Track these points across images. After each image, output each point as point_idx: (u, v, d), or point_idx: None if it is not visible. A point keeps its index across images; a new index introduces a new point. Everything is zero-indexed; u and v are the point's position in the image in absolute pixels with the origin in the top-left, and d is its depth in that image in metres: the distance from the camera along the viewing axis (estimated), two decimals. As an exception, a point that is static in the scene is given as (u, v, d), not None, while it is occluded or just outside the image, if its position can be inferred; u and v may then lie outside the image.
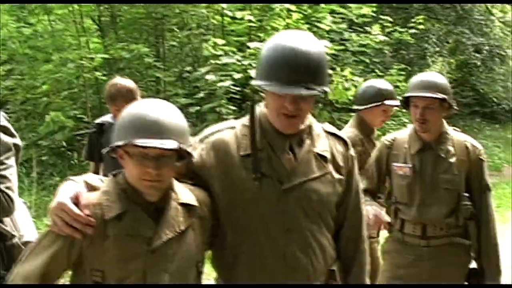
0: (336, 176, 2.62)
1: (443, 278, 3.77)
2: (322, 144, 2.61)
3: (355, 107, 4.80)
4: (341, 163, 2.65)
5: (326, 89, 2.45)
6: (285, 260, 2.50)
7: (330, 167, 2.60)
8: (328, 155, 2.60)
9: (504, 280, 7.07)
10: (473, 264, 3.86)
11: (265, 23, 10.52)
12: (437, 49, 19.70)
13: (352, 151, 2.73)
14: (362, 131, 4.65)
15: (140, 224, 2.26)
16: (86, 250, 2.22)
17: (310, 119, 2.63)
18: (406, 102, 3.82)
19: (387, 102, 4.67)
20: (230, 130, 2.59)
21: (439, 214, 3.72)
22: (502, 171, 15.63)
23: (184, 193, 2.41)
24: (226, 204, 2.50)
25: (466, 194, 3.75)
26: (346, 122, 12.48)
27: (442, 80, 3.78)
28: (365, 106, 4.67)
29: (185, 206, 2.38)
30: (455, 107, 3.84)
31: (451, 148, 3.76)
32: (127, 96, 4.72)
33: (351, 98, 10.78)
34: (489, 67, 21.27)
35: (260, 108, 2.59)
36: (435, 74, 3.90)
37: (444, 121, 3.85)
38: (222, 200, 2.51)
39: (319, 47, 2.47)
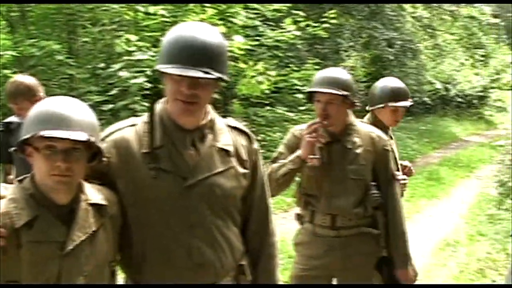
0: (240, 170, 2.62)
1: (354, 268, 3.83)
2: (225, 139, 2.62)
3: (367, 107, 4.73)
4: (245, 157, 2.66)
5: (225, 77, 2.47)
6: (192, 256, 2.49)
7: (234, 161, 2.61)
8: (231, 149, 2.60)
9: (418, 267, 7.32)
10: (384, 253, 3.92)
11: (179, 18, 10.44)
12: (351, 43, 20.05)
13: (256, 145, 2.75)
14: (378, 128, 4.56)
15: (51, 229, 2.21)
16: (2, 264, 2.15)
17: (212, 114, 2.63)
18: (310, 97, 3.86)
19: (390, 104, 4.53)
20: (131, 128, 2.56)
21: (348, 204, 3.77)
22: (415, 162, 16.06)
23: (93, 193, 2.37)
24: (130, 202, 2.48)
25: (374, 184, 3.82)
26: (262, 116, 12.69)
27: (345, 76, 3.83)
28: (372, 108, 4.65)
29: (95, 206, 2.34)
30: (358, 103, 3.90)
31: (357, 140, 3.81)
32: (28, 94, 4.63)
33: (266, 92, 10.89)
34: (402, 61, 21.75)
35: (161, 105, 2.58)
36: (338, 70, 3.94)
37: (351, 114, 3.91)
38: (126, 198, 2.48)
39: (219, 37, 2.49)
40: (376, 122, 4.48)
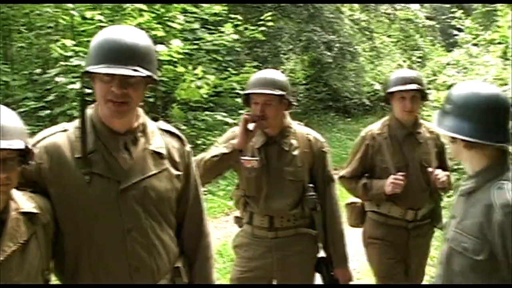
0: (174, 172, 2.65)
1: (292, 268, 3.87)
2: (157, 141, 2.63)
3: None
4: (177, 159, 2.68)
5: (154, 76, 2.49)
6: (128, 260, 2.49)
7: (167, 164, 2.63)
8: (164, 152, 2.62)
9: (354, 266, 7.40)
10: (322, 253, 3.97)
11: (116, 23, 10.36)
12: (290, 47, 20.16)
13: (188, 147, 2.77)
14: (389, 127, 4.47)
15: None
16: None
17: (143, 117, 2.65)
18: (247, 100, 3.88)
19: (390, 89, 4.34)
20: (62, 133, 2.55)
21: (285, 206, 3.81)
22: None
23: (25, 201, 2.34)
24: (63, 208, 2.45)
25: (311, 185, 3.86)
26: (201, 120, 12.66)
27: (281, 77, 3.85)
28: (384, 102, 4.62)
29: (27, 215, 2.31)
30: (295, 103, 3.95)
31: (294, 142, 3.85)
32: None
33: (205, 97, 10.88)
34: (340, 64, 21.98)
35: (92, 109, 2.57)
36: (273, 72, 3.96)
37: (288, 116, 3.95)
38: (59, 204, 2.45)
39: (146, 38, 2.52)
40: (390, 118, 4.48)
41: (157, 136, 2.66)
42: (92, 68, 2.40)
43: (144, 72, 2.40)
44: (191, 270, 2.79)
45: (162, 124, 2.76)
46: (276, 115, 3.79)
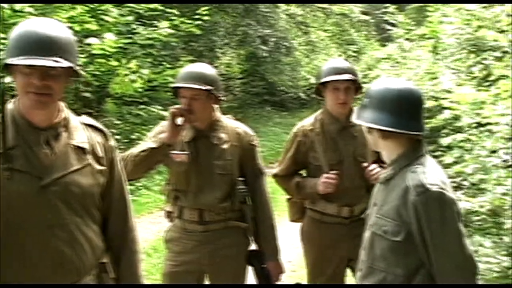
0: (97, 167, 2.62)
1: (224, 261, 3.87)
2: (80, 136, 2.60)
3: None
4: (101, 154, 2.65)
5: (76, 67, 2.47)
6: (51, 256, 2.46)
7: (90, 159, 2.60)
8: (87, 147, 2.59)
9: (288, 258, 7.43)
10: (253, 246, 4.01)
11: (47, 16, 10.14)
12: (226, 41, 20.13)
13: (112, 142, 2.75)
14: (322, 121, 4.29)
15: None
16: None
17: (66, 112, 2.61)
18: (176, 93, 3.88)
19: (323, 79, 4.13)
20: None
21: (215, 199, 3.82)
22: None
23: None
24: None
25: (241, 179, 3.89)
26: (136, 115, 12.55)
27: (209, 71, 3.87)
28: (317, 95, 4.42)
29: None
30: (223, 98, 3.94)
31: (223, 135, 3.86)
32: None
33: (140, 91, 10.77)
34: (276, 58, 22.06)
35: (13, 104, 2.53)
36: (202, 66, 3.97)
37: (218, 109, 3.95)
38: None
39: (67, 30, 2.51)
40: (325, 117, 4.28)
41: (80, 131, 2.63)
42: (12, 60, 2.37)
43: (65, 63, 2.38)
44: (118, 265, 2.76)
45: (85, 118, 2.73)
46: (203, 109, 3.80)
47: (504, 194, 4.32)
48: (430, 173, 2.67)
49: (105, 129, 2.76)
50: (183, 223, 3.92)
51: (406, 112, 2.75)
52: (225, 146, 3.86)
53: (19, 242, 2.44)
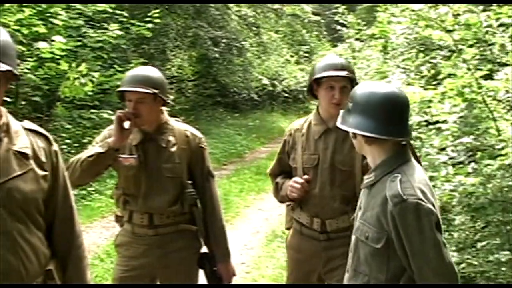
0: (40, 172, 2.57)
1: (175, 265, 3.86)
2: (22, 141, 2.55)
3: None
4: (44, 159, 2.61)
5: (15, 71, 2.42)
6: None
7: (33, 164, 2.55)
8: (29, 152, 2.55)
9: (242, 260, 7.45)
10: (205, 249, 3.99)
11: (-5, 18, 9.99)
12: (177, 43, 20.06)
13: (55, 147, 2.71)
14: (310, 122, 3.99)
15: None
16: None
17: (6, 117, 2.56)
18: (122, 97, 3.86)
19: (317, 75, 3.81)
20: None
21: (164, 203, 3.80)
22: (244, 157, 16.39)
23: None
24: None
25: (190, 182, 3.86)
26: (87, 119, 12.42)
27: (155, 74, 3.84)
28: (308, 95, 4.08)
29: None
30: (170, 101, 3.93)
31: (171, 138, 3.85)
32: None
33: (90, 94, 10.67)
34: (228, 59, 22.08)
35: None
36: (148, 69, 3.95)
37: (165, 112, 3.93)
38: None
39: (4, 32, 2.45)
40: (314, 117, 3.98)
41: (22, 136, 2.58)
42: None
43: (4, 67, 2.34)
44: (65, 272, 2.73)
45: (27, 123, 2.68)
46: (150, 112, 3.78)
47: (452, 190, 4.39)
48: (408, 182, 2.65)
49: (47, 134, 2.72)
50: (133, 227, 3.88)
51: (391, 117, 2.73)
52: (173, 149, 3.83)
53: None
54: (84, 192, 9.98)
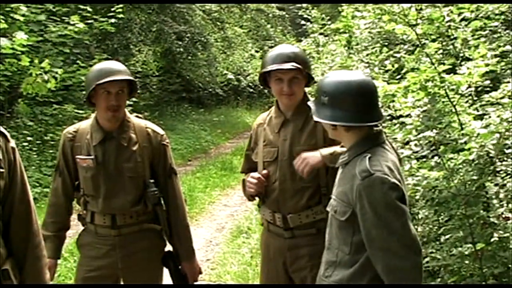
0: None
1: (138, 264, 3.81)
2: None
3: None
4: (0, 156, 2.55)
5: None
6: None
7: None
8: None
9: (207, 256, 7.40)
10: (169, 247, 3.95)
11: (-48, 14, 9.80)
12: (141, 38, 19.94)
13: (12, 144, 2.65)
14: (276, 112, 3.80)
15: None
16: None
17: None
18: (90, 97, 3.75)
19: (265, 69, 3.64)
20: None
21: (126, 203, 3.74)
22: (209, 153, 16.34)
23: None
24: None
25: (152, 181, 3.80)
26: (50, 115, 12.27)
27: (122, 67, 3.77)
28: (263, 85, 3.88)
29: None
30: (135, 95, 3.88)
31: (133, 136, 3.79)
32: None
33: (53, 90, 10.53)
34: (192, 54, 21.98)
35: None
36: (115, 62, 3.86)
37: (125, 109, 3.86)
38: None
39: None
40: (274, 109, 3.83)
41: None
42: None
43: None
44: (22, 271, 2.68)
45: None
46: (124, 105, 3.76)
47: (416, 185, 4.39)
48: (377, 161, 2.80)
49: (4, 131, 2.65)
50: (96, 228, 3.83)
51: (367, 105, 2.89)
52: (134, 147, 3.77)
53: None
54: (47, 189, 9.84)
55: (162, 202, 3.88)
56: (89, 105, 3.80)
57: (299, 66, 3.53)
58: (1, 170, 2.55)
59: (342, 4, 8.99)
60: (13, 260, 2.65)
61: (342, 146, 3.24)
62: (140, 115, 3.99)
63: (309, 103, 3.07)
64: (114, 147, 3.75)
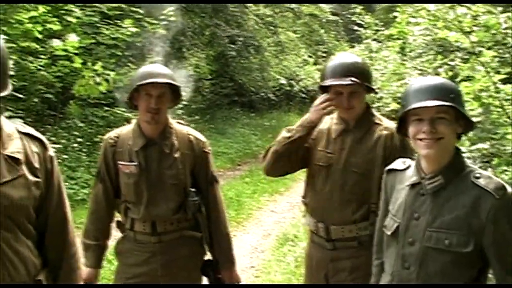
0: (32, 178, 2.47)
1: (178, 272, 3.75)
2: (14, 146, 2.46)
3: None
4: (37, 164, 2.51)
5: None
6: None
7: (24, 170, 2.45)
8: (21, 157, 2.45)
9: (252, 263, 7.33)
10: (209, 256, 3.90)
11: (8, 16, 9.94)
12: (194, 41, 20.01)
13: (51, 152, 2.60)
14: (337, 119, 3.69)
15: None
16: None
17: None
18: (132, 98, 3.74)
19: (324, 83, 3.54)
20: None
21: (168, 210, 3.68)
22: (259, 158, 16.23)
23: None
24: None
25: (193, 189, 3.74)
26: (102, 118, 12.37)
27: (169, 71, 3.71)
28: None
29: None
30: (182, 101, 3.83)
31: (175, 142, 3.73)
32: None
33: (104, 92, 10.61)
34: (245, 58, 21.98)
35: None
36: (159, 66, 3.80)
37: (168, 116, 3.80)
38: None
39: None
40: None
41: (15, 140, 2.48)
42: None
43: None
44: (56, 283, 2.63)
45: (21, 126, 2.58)
46: (166, 110, 3.71)
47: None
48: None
49: (43, 138, 2.62)
50: (135, 235, 3.77)
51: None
52: (176, 154, 3.71)
53: None
54: (84, 196, 9.81)
55: (203, 209, 3.81)
56: (131, 107, 3.76)
57: (357, 81, 3.41)
58: (38, 179, 2.51)
59: (397, 9, 8.84)
60: (48, 271, 2.60)
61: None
62: (182, 121, 3.93)
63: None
64: (156, 154, 3.70)
